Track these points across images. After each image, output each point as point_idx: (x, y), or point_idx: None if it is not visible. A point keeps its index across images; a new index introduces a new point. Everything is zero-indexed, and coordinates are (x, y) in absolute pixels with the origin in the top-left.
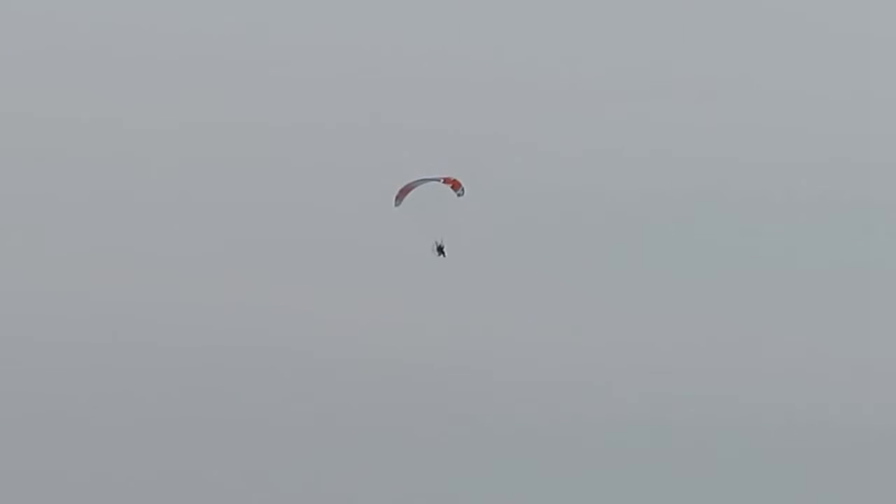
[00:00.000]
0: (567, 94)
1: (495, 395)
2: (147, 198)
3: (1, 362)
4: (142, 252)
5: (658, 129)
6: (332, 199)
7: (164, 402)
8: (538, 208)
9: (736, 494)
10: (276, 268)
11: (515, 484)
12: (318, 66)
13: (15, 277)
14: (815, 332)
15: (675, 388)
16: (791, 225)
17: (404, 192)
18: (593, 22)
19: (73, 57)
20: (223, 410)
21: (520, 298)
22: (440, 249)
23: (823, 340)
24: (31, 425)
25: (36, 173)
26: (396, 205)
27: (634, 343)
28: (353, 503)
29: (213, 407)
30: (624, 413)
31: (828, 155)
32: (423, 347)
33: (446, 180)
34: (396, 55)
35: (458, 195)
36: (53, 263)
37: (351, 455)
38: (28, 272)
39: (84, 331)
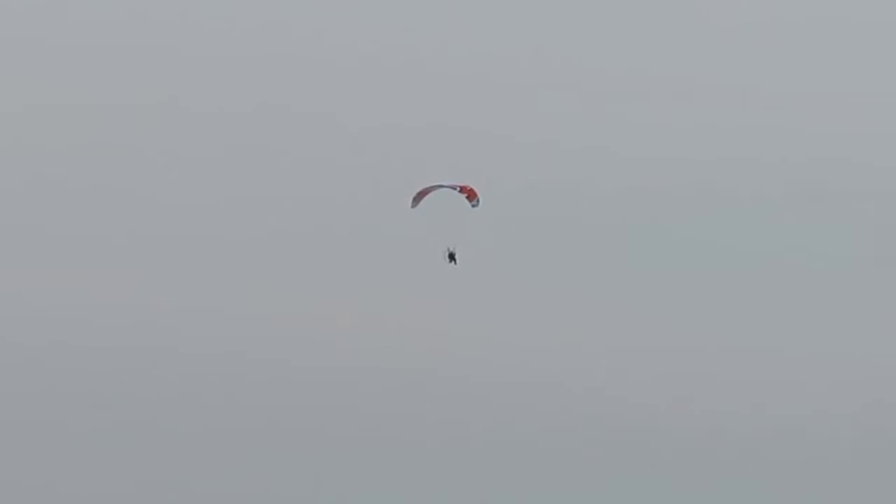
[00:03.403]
0: (562, 93)
1: (495, 400)
2: (140, 192)
3: None
4: (147, 252)
5: (656, 129)
6: (330, 197)
7: (155, 409)
8: (536, 208)
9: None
10: (277, 271)
11: (514, 489)
12: (316, 61)
13: None
14: (814, 333)
15: (678, 393)
16: (789, 222)
17: (421, 195)
18: (591, 20)
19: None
20: (217, 419)
21: (518, 301)
22: (451, 256)
23: (825, 342)
24: None
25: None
26: (413, 207)
27: (636, 346)
28: None
29: (206, 415)
30: (629, 418)
31: (824, 152)
32: (429, 353)
33: (462, 189)
34: (394, 51)
35: (473, 206)
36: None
37: (355, 463)
38: None
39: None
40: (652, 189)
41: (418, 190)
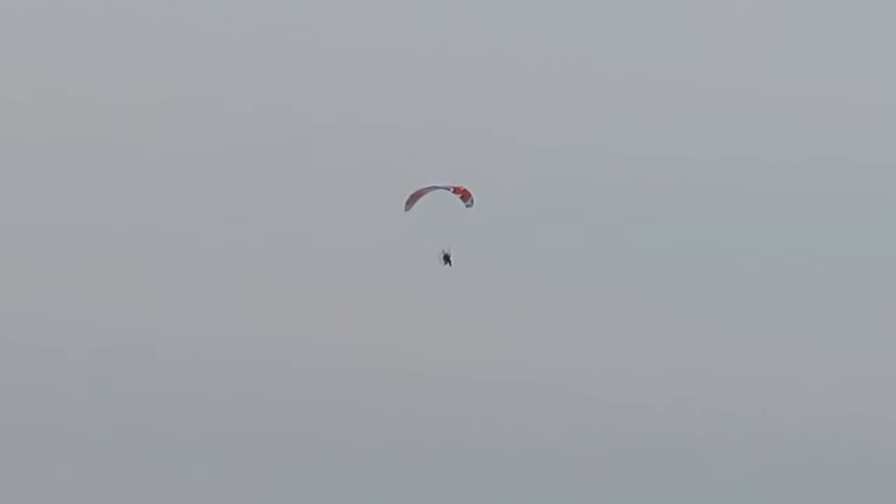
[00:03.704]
0: (562, 93)
1: (494, 401)
2: (140, 192)
3: None
4: (147, 252)
5: (656, 129)
6: (330, 197)
7: (155, 409)
8: (535, 208)
9: None
10: (277, 271)
11: (513, 489)
12: (316, 61)
13: None
14: (814, 333)
15: (678, 393)
16: (789, 222)
17: (415, 197)
18: (592, 21)
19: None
20: (217, 419)
21: (517, 301)
22: (446, 258)
23: (825, 342)
24: None
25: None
26: (406, 210)
27: (637, 347)
28: None
29: (206, 415)
30: (629, 418)
31: (824, 152)
32: (428, 354)
33: (456, 189)
34: (394, 51)
35: (467, 206)
36: None
37: (355, 463)
38: None
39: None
40: (652, 189)
41: (411, 193)
